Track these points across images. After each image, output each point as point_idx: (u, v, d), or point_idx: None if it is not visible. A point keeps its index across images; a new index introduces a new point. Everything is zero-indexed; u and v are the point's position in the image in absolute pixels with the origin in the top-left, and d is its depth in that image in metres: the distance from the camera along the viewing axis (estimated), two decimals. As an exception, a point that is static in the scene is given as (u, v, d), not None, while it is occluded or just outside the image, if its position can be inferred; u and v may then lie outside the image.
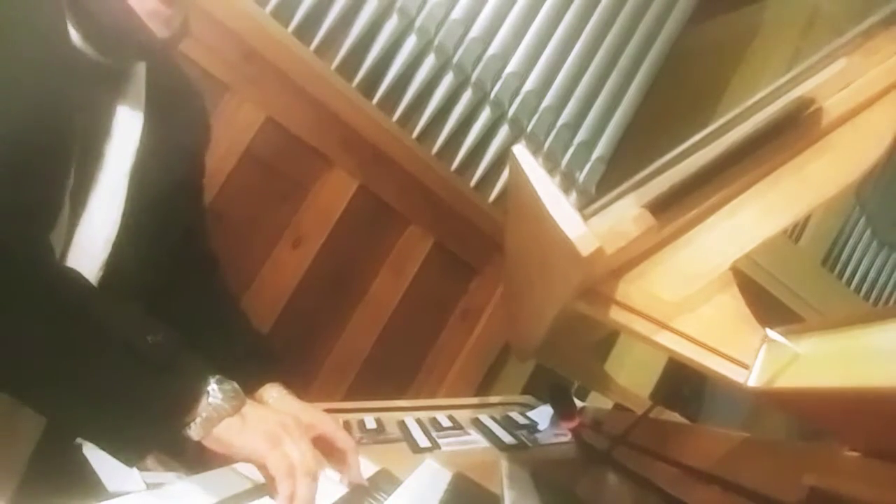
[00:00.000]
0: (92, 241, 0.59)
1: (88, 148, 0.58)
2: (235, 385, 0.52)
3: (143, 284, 0.65)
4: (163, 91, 0.67)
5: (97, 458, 0.71)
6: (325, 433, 0.61)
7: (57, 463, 0.65)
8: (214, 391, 0.50)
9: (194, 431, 0.48)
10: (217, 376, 0.51)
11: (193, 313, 0.76)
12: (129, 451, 0.48)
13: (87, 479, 0.69)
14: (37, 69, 0.52)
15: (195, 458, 0.57)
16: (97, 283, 0.59)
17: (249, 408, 0.52)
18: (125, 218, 0.61)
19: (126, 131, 0.62)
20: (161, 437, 0.49)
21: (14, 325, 0.45)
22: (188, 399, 0.49)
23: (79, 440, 0.72)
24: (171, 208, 0.66)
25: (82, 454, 0.72)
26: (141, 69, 0.65)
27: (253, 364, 0.72)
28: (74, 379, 0.47)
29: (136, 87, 0.64)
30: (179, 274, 0.74)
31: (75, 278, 0.52)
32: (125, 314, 0.52)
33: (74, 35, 0.57)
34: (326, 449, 0.62)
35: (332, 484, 0.59)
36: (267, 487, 0.51)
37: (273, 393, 0.70)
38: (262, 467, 0.50)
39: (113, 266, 0.60)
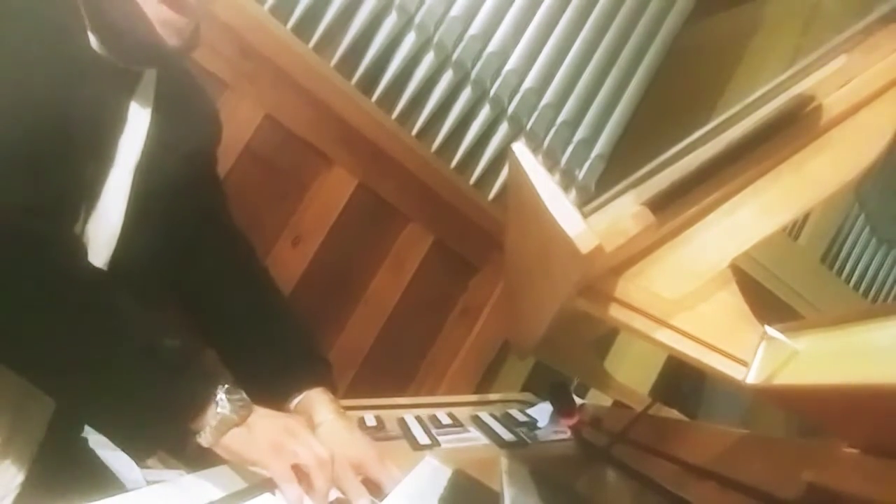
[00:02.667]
0: (99, 236, 0.60)
1: (102, 144, 0.60)
2: (243, 394, 0.53)
3: (150, 280, 0.66)
4: (171, 92, 0.69)
5: (105, 453, 0.71)
6: (372, 476, 0.59)
7: (67, 456, 0.66)
8: (223, 400, 0.51)
9: (204, 439, 0.50)
10: (226, 386, 0.52)
11: (235, 308, 0.76)
12: (136, 446, 0.51)
13: (100, 473, 0.69)
14: (53, 70, 0.54)
15: (196, 457, 0.57)
16: None
17: (256, 417, 0.54)
18: (128, 214, 0.62)
19: (135, 129, 0.64)
20: (167, 437, 0.50)
21: (43, 316, 0.48)
22: (196, 405, 0.50)
23: (84, 434, 0.72)
24: (176, 205, 0.67)
25: (90, 448, 0.72)
26: (152, 71, 0.67)
27: (295, 370, 0.71)
28: (93, 371, 0.49)
29: (147, 88, 0.66)
30: (214, 266, 0.75)
31: (103, 277, 0.55)
32: (147, 316, 0.53)
33: (92, 39, 0.59)
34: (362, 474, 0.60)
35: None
36: (271, 484, 0.52)
37: (323, 415, 0.67)
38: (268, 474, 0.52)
39: (118, 261, 0.61)
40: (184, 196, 0.68)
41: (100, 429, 0.54)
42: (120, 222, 0.61)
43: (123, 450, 0.51)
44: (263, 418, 0.54)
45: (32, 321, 0.48)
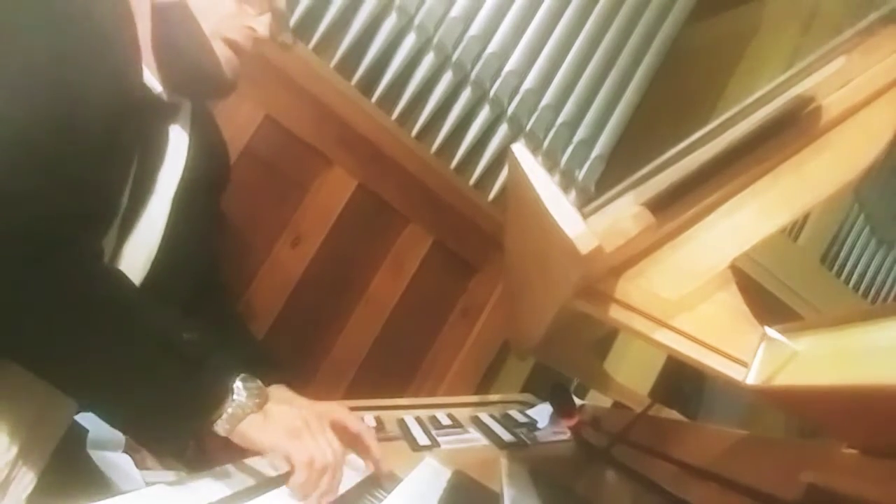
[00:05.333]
0: (135, 259, 0.63)
1: (144, 172, 0.63)
2: (259, 383, 0.54)
3: (176, 299, 0.69)
4: (201, 126, 0.74)
5: (103, 462, 0.71)
6: (338, 419, 0.63)
7: (70, 467, 0.67)
8: (239, 389, 0.52)
9: (220, 427, 0.51)
10: (242, 374, 0.54)
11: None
12: (154, 440, 0.52)
13: (98, 480, 0.70)
14: (107, 102, 0.56)
15: (195, 458, 0.58)
16: None
17: (272, 405, 0.55)
18: (164, 241, 0.65)
19: (174, 160, 0.68)
20: (185, 429, 0.51)
21: (60, 315, 0.48)
22: (215, 394, 0.51)
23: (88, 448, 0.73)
24: (204, 236, 0.72)
25: (92, 461, 0.72)
26: (188, 105, 0.71)
27: (253, 369, 0.73)
28: (113, 367, 0.50)
29: (184, 121, 0.71)
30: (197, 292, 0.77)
31: (120, 276, 0.56)
32: (164, 313, 0.55)
33: (146, 71, 0.63)
34: (342, 436, 0.62)
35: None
36: (282, 479, 0.53)
37: (277, 393, 0.70)
38: (285, 459, 0.52)
39: (149, 285, 0.64)
40: (209, 230, 0.73)
41: (118, 425, 0.54)
42: (156, 248, 0.65)
43: (141, 445, 0.52)
44: (280, 405, 0.55)
45: (53, 320, 0.48)
